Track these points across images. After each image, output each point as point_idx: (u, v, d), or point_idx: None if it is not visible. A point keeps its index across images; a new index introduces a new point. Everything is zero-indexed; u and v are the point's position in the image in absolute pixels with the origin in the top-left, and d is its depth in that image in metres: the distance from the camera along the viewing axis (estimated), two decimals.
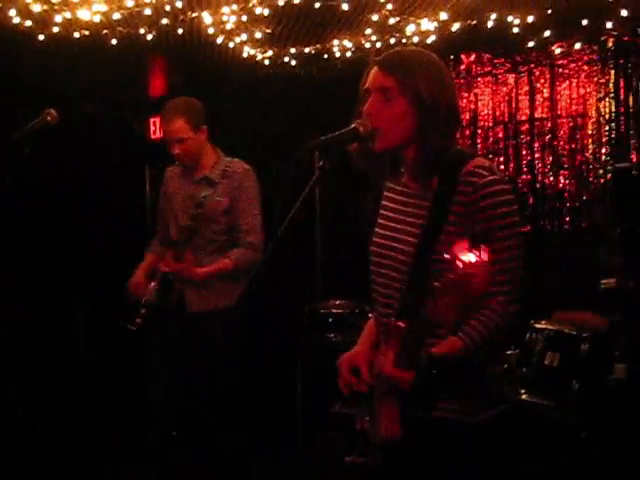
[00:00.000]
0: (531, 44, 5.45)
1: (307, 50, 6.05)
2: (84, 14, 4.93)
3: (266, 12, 4.89)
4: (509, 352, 4.41)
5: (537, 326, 4.34)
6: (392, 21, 5.01)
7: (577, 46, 5.53)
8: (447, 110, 2.21)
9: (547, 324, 4.33)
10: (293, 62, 6.24)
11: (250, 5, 4.88)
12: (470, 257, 1.86)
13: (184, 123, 3.89)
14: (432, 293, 1.93)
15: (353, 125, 2.26)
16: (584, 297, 4.73)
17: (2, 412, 4.99)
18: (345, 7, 4.59)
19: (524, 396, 4.21)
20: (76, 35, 5.34)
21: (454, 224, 2.16)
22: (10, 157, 2.90)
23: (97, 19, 5.03)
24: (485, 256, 1.86)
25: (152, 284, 4.06)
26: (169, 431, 3.74)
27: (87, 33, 5.35)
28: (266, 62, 6.20)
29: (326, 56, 6.05)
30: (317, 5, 4.66)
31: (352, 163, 2.32)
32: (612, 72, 5.68)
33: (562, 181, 5.99)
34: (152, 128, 6.64)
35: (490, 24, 5.08)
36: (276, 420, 5.29)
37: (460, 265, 1.86)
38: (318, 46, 5.97)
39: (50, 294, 5.72)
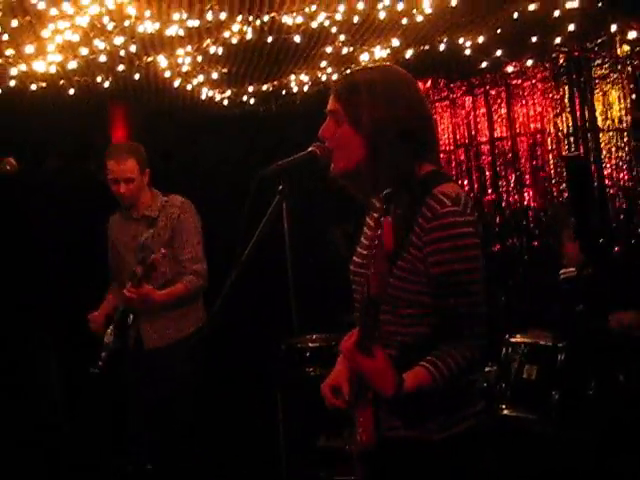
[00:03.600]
0: (484, 65, 5.53)
1: (265, 87, 6.10)
2: (39, 66, 4.91)
3: (220, 51, 4.91)
4: (487, 369, 4.42)
5: (512, 340, 4.34)
6: (345, 51, 5.05)
7: (529, 63, 5.63)
8: (399, 131, 2.15)
9: (522, 338, 4.33)
10: (252, 100, 6.28)
11: (204, 45, 4.90)
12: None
13: (134, 163, 4.03)
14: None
15: (310, 149, 2.27)
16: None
17: None
18: (297, 39, 4.62)
19: (505, 411, 4.21)
20: (33, 87, 5.33)
21: (413, 245, 2.12)
22: None
23: (53, 70, 5.01)
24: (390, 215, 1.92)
25: (110, 328, 4.17)
26: (144, 464, 3.74)
27: (44, 85, 5.35)
28: (225, 102, 6.24)
29: (284, 92, 6.10)
30: (270, 40, 4.69)
31: (337, 186, 2.28)
32: (566, 87, 5.79)
33: (526, 198, 6.06)
34: None
35: (442, 47, 5.15)
36: (261, 458, 5.23)
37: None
38: (275, 83, 6.02)
39: (21, 341, 5.68)
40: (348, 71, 2.35)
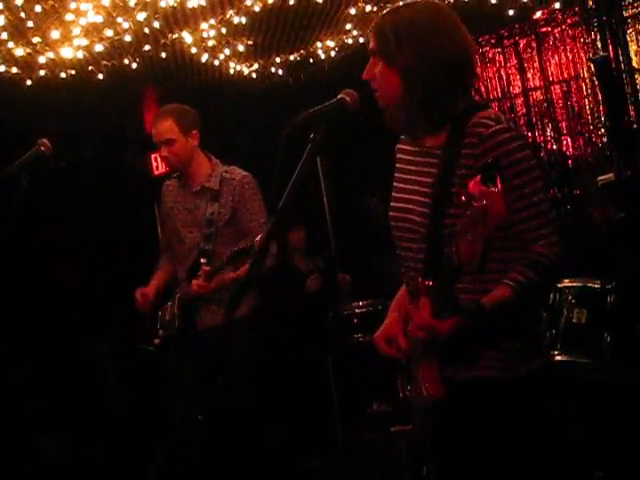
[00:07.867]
0: (511, 12, 5.43)
1: (292, 57, 6.07)
2: (67, 52, 4.93)
3: (244, 20, 4.89)
4: None
5: (560, 285, 4.27)
6: (369, 9, 5.00)
7: (557, 5, 5.51)
8: (434, 65, 2.14)
9: (570, 282, 4.26)
10: (280, 71, 6.25)
11: (228, 16, 4.88)
12: (482, 189, 1.83)
13: (172, 123, 3.77)
14: (454, 235, 1.90)
15: (339, 96, 2.24)
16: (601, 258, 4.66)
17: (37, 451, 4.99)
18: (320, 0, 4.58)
19: (558, 357, 4.15)
20: (62, 75, 5.36)
21: (464, 177, 2.08)
22: (8, 191, 2.89)
23: (80, 55, 5.03)
24: (496, 183, 1.82)
25: (169, 305, 4.00)
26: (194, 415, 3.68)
27: (73, 72, 5.37)
28: (254, 75, 6.22)
29: (312, 60, 6.06)
30: (292, 2, 4.65)
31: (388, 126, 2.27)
32: (597, 30, 5.67)
33: (565, 146, 5.96)
34: (154, 164, 6.61)
35: None
36: (316, 426, 5.24)
37: (474, 200, 1.83)
38: (302, 51, 5.98)
39: (73, 333, 5.72)
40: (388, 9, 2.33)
